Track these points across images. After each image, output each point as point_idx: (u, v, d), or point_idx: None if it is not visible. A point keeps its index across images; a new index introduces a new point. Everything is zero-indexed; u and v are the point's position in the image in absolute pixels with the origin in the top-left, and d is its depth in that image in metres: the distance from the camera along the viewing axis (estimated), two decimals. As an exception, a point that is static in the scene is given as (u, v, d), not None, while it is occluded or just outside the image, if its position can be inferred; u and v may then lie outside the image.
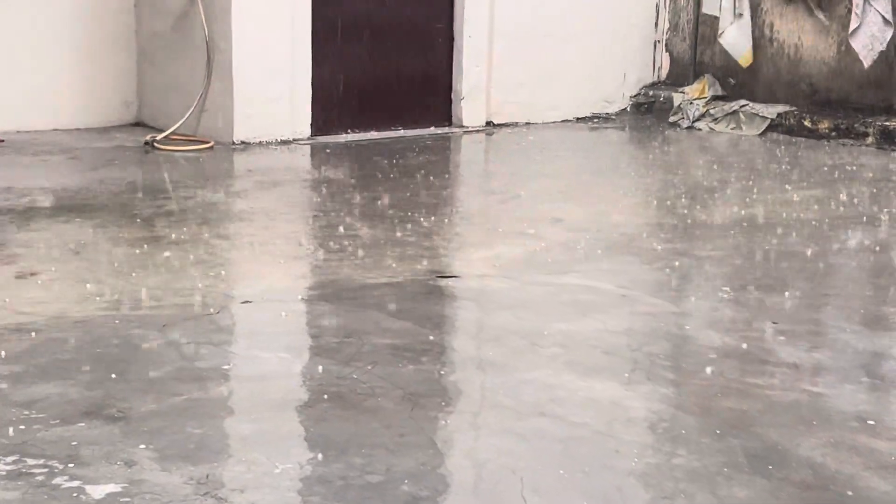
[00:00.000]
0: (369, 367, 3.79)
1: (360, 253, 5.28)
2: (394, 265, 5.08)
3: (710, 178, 7.29)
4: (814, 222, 6.12)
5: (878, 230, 5.98)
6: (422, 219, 5.97)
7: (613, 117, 9.72)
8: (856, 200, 6.67)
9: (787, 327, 4.36)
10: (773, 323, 4.41)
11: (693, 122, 9.33)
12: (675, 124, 9.39)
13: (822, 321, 4.47)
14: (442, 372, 3.80)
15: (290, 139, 8.22)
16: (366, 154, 7.92)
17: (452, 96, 9.01)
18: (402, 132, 8.70)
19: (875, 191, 6.98)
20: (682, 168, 7.69)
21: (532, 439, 3.25)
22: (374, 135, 8.57)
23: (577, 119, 9.61)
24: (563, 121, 9.50)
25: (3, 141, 7.90)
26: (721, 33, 9.42)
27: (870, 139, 8.55)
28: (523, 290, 4.78)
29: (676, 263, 5.25)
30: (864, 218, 6.25)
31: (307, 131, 8.33)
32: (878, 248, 5.60)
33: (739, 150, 8.39)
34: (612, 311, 4.50)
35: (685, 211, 6.32)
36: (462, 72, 8.94)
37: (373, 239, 5.54)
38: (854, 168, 7.71)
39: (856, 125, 8.66)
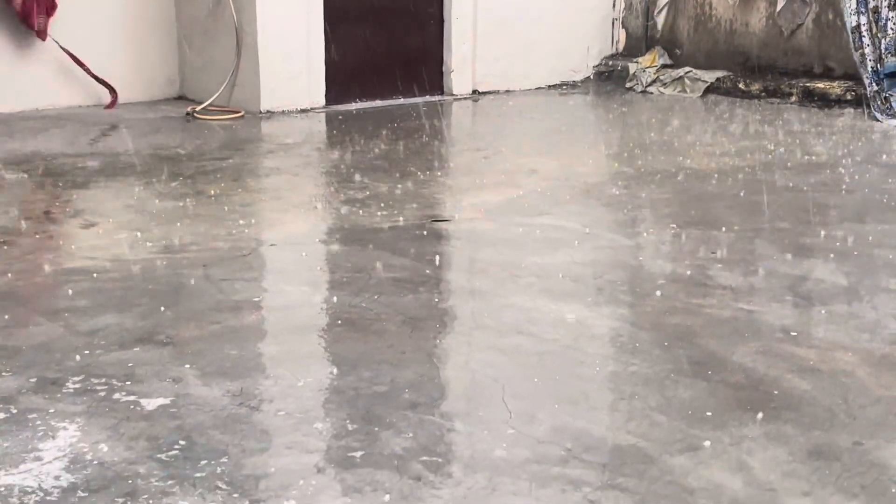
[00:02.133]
0: (376, 297, 3.78)
1: (368, 202, 5.24)
2: (396, 211, 5.05)
3: (660, 133, 7.23)
4: (747, 168, 6.07)
5: (802, 172, 5.94)
6: (419, 172, 5.93)
7: (579, 84, 9.63)
8: (782, 149, 6.63)
9: (725, 256, 4.35)
10: (713, 253, 4.40)
11: (646, 86, 9.24)
12: (630, 89, 9.31)
13: (753, 251, 4.45)
14: (436, 300, 3.80)
15: (308, 108, 8.14)
16: (371, 119, 7.86)
17: (443, 69, 8.92)
18: (401, 100, 8.62)
19: (799, 140, 6.93)
20: (636, 126, 7.63)
21: (512, 354, 3.26)
22: (378, 103, 8.49)
23: (549, 86, 9.52)
24: (536, 88, 9.42)
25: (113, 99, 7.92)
26: (658, 12, 9.33)
27: (793, 98, 8.48)
28: (505, 230, 4.76)
29: (631, 205, 5.22)
30: (789, 163, 6.21)
31: (322, 101, 8.25)
32: (801, 188, 5.57)
33: (685, 110, 8.32)
34: (578, 246, 4.49)
35: (639, 161, 6.27)
36: (451, 48, 8.84)
37: (378, 190, 5.50)
38: (780, 122, 7.65)
39: (782, 86, 8.58)
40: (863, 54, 7.87)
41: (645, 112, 8.30)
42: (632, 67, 9.46)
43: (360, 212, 5.05)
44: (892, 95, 7.75)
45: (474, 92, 9.04)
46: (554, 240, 4.60)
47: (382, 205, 5.18)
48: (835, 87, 8.28)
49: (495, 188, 5.59)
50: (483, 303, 3.76)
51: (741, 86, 8.80)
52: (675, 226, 4.84)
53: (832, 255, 4.34)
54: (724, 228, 4.78)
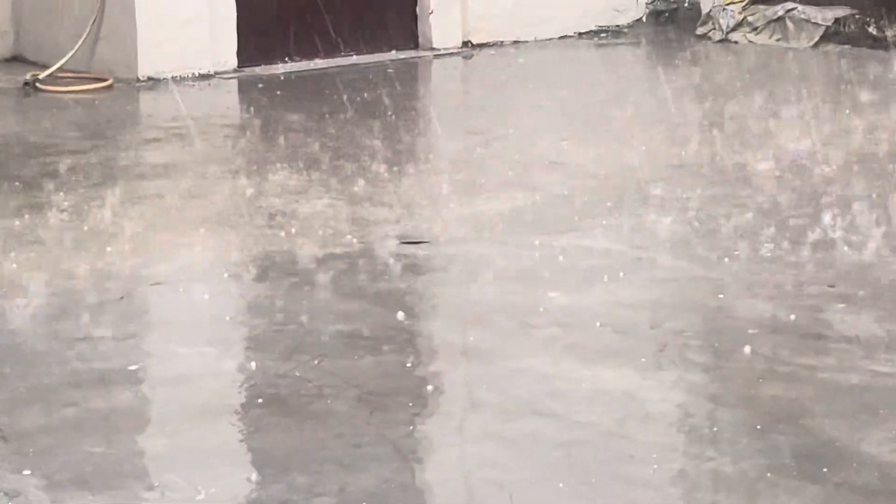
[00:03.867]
0: (316, 362, 3.79)
1: (304, 216, 5.26)
2: (347, 230, 5.06)
3: (748, 105, 7.26)
4: (882, 157, 6.11)
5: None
6: (382, 169, 5.95)
7: (625, 30, 9.66)
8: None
9: (848, 291, 4.37)
10: (830, 286, 4.42)
11: (727, 33, 9.29)
12: (704, 37, 9.35)
13: (893, 284, 4.48)
14: (408, 364, 3.81)
15: (212, 72, 8.15)
16: (310, 89, 7.87)
17: (418, 10, 8.93)
18: (354, 59, 8.63)
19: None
20: (713, 94, 7.66)
21: (524, 445, 3.26)
22: (319, 63, 8.51)
23: (580, 34, 9.54)
24: (561, 37, 9.44)
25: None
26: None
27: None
28: (512, 255, 4.78)
29: (706, 215, 5.25)
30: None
31: (233, 61, 8.25)
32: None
33: (786, 68, 8.36)
34: (626, 278, 4.50)
35: (717, 148, 6.30)
36: (429, -22, 8.89)
37: (319, 197, 5.51)
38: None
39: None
40: None
41: (726, 72, 8.33)
42: (705, 4, 9.51)
43: (292, 231, 5.07)
44: None
45: (465, 44, 9.06)
46: (588, 269, 4.61)
47: (326, 221, 5.20)
48: None
49: (498, 191, 5.61)
50: (481, 368, 3.77)
51: (872, 30, 8.84)
52: (771, 245, 4.86)
53: None
54: (846, 249, 4.81)
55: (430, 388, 3.67)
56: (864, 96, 7.43)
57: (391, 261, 4.72)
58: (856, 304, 4.25)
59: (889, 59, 8.49)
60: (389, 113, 7.15)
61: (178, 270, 4.65)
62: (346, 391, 3.59)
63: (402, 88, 7.96)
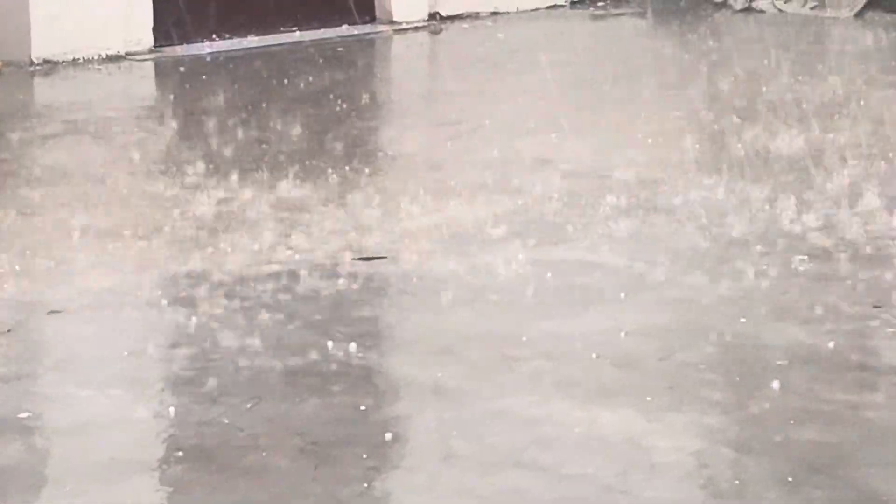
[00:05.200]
0: (249, 405, 3.76)
1: (234, 226, 5.25)
2: (287, 244, 5.05)
3: (777, 86, 7.29)
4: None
5: None
6: (331, 169, 5.94)
7: (627, -1, 9.72)
8: None
9: (899, 313, 4.40)
10: (876, 307, 4.42)
11: (751, 0, 9.33)
12: (723, 5, 9.39)
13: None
14: (363, 407, 3.78)
15: (123, 53, 8.14)
16: (242, 72, 7.87)
17: (374, -25, 8.98)
18: (298, 35, 8.64)
19: None
20: (734, 73, 7.68)
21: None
22: (253, 41, 8.51)
23: (572, 3, 9.57)
24: (549, 7, 9.47)
25: None
26: None
27: None
28: (490, 273, 4.77)
29: (726, 219, 5.26)
30: None
31: (148, 40, 8.25)
32: None
33: (823, 43, 8.39)
34: (628, 300, 4.50)
35: (739, 139, 6.31)
36: (388, -63, 8.91)
37: (254, 205, 5.50)
38: None
39: None
40: None
41: (750, 48, 8.34)
42: (724, -35, 9.56)
43: (220, 245, 5.05)
44: None
45: (433, 17, 9.07)
46: (582, 289, 4.61)
47: (262, 232, 5.18)
48: None
49: (472, 195, 5.60)
50: (452, 410, 3.75)
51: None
52: (805, 257, 4.87)
53: None
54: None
55: (389, 435, 3.64)
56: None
57: (342, 280, 4.71)
58: (909, 329, 4.28)
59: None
60: (339, 101, 7.15)
61: (79, 295, 4.62)
62: (287, 441, 3.56)
63: (356, 71, 7.98)
